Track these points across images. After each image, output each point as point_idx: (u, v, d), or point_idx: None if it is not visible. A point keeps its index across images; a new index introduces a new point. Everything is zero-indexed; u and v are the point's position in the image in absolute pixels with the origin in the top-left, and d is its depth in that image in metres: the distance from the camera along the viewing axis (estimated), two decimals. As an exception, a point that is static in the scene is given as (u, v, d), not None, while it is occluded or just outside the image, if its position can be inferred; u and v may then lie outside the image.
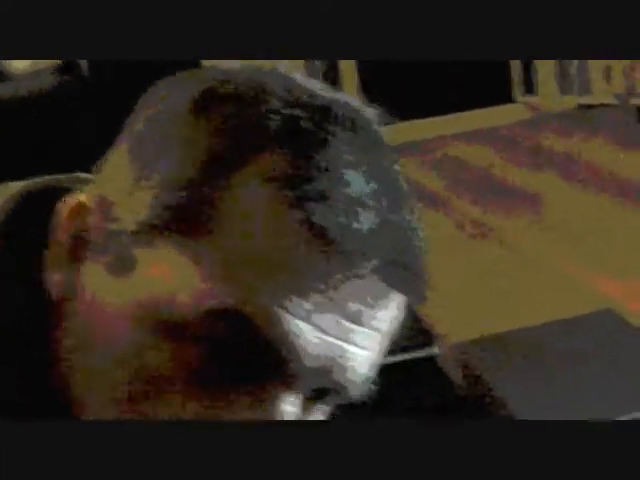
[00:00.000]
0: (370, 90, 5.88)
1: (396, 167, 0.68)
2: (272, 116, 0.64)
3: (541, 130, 5.19)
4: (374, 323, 0.65)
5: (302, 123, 0.64)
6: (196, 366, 0.63)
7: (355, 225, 0.62)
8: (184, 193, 0.63)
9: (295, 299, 0.62)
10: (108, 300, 0.66)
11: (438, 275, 2.44)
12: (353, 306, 0.64)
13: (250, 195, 0.63)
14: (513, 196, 4.12)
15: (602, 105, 5.19)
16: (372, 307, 0.65)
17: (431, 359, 2.43)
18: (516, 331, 2.37)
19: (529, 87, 5.44)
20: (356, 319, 0.64)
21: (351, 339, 0.65)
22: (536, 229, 3.68)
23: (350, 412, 2.21)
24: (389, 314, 0.67)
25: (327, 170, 0.62)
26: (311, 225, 0.61)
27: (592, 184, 4.13)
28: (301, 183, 0.62)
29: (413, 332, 2.20)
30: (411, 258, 0.67)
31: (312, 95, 0.66)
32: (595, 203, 3.90)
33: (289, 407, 0.65)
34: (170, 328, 0.63)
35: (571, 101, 5.36)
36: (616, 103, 5.08)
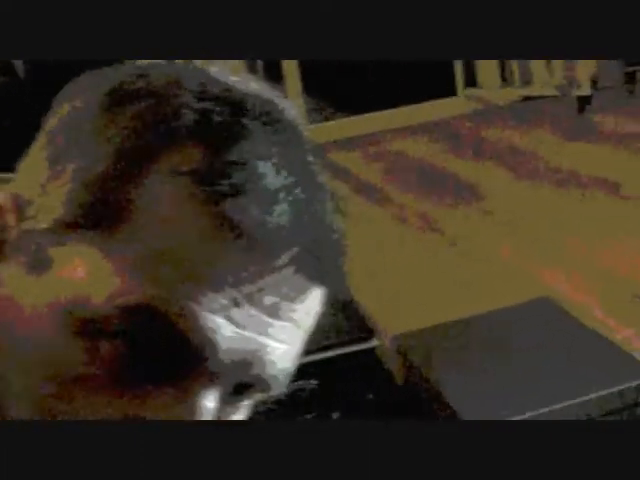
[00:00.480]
0: (314, 86, 5.89)
1: (313, 159, 0.68)
2: (185, 110, 0.63)
3: (483, 122, 5.23)
4: (292, 316, 0.65)
5: (215, 117, 0.63)
6: (113, 363, 0.62)
7: (270, 219, 0.61)
8: (96, 189, 0.62)
9: (210, 294, 0.61)
10: (26, 300, 0.65)
11: (379, 267, 2.47)
12: (270, 299, 0.63)
13: (163, 190, 0.62)
14: (455, 188, 4.14)
15: (543, 97, 5.24)
16: (290, 300, 0.64)
17: (372, 351, 2.44)
18: (455, 322, 2.38)
19: (471, 80, 5.48)
20: (273, 313, 0.64)
21: (269, 333, 0.64)
22: (477, 220, 3.70)
23: (289, 406, 2.20)
24: (308, 307, 0.66)
25: (241, 164, 0.62)
26: (225, 219, 0.61)
27: (533, 175, 4.16)
28: (214, 177, 0.61)
29: (353, 325, 2.20)
30: (328, 251, 0.66)
31: (226, 89, 0.66)
32: (536, 194, 3.93)
33: (210, 403, 0.64)
34: (86, 325, 0.62)
35: (513, 93, 5.40)
36: (557, 94, 5.12)
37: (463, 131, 5.17)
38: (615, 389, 1.98)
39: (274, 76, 6.15)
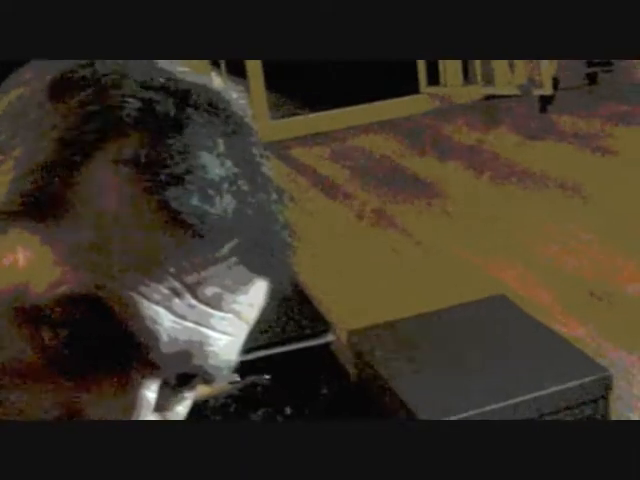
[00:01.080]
0: (277, 83, 5.88)
1: (259, 151, 0.67)
2: (129, 100, 0.63)
3: (446, 121, 5.24)
4: (234, 308, 0.65)
5: (158, 107, 0.63)
6: (55, 352, 0.62)
7: (212, 209, 0.61)
8: (39, 177, 0.62)
9: (151, 284, 0.60)
10: None
11: (337, 263, 2.46)
12: (212, 290, 0.63)
13: (105, 179, 0.61)
14: (415, 186, 4.15)
15: (505, 96, 5.25)
16: (232, 291, 0.64)
17: (326, 347, 2.43)
18: (409, 318, 2.37)
19: (434, 78, 5.49)
20: (215, 304, 0.63)
21: (210, 324, 0.64)
22: (436, 218, 3.70)
23: (242, 401, 2.17)
24: (251, 299, 0.66)
25: (183, 153, 0.61)
26: (167, 209, 0.60)
27: (494, 173, 4.17)
28: (156, 167, 0.60)
29: (308, 320, 2.19)
30: (272, 242, 0.66)
31: (171, 79, 0.65)
32: (496, 192, 3.94)
33: (150, 393, 0.64)
34: (27, 315, 0.61)
35: (475, 92, 5.42)
36: (519, 94, 5.14)
37: (425, 129, 5.17)
38: (567, 386, 1.98)
39: (237, 72, 6.13)
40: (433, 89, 5.48)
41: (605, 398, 2.01)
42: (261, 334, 2.41)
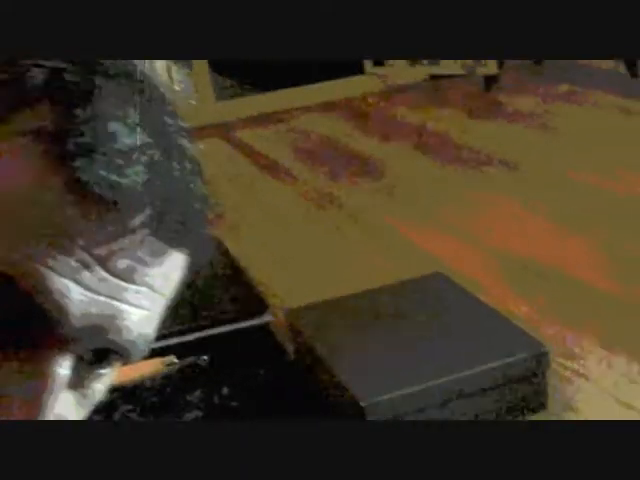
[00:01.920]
0: (222, 64, 5.82)
1: (174, 121, 0.66)
2: (36, 70, 0.61)
3: (391, 101, 5.23)
4: (148, 281, 0.63)
5: (67, 76, 0.61)
6: None
7: (121, 179, 0.59)
8: None
9: (60, 257, 0.58)
10: None
11: (279, 243, 2.43)
12: (123, 263, 0.61)
13: (13, 150, 0.60)
14: (360, 166, 4.13)
15: (450, 75, 5.25)
16: (145, 264, 0.62)
17: (265, 327, 2.41)
18: (348, 296, 2.35)
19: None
20: (127, 277, 0.61)
21: (123, 297, 0.62)
22: (380, 197, 3.69)
23: (179, 381, 2.13)
24: (166, 272, 0.64)
25: (92, 123, 0.59)
26: (75, 180, 0.58)
27: (439, 153, 4.17)
28: (64, 137, 0.59)
29: (247, 300, 2.15)
30: (186, 214, 0.64)
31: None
32: (440, 172, 3.94)
33: (63, 370, 0.62)
34: None
35: (420, 72, 5.41)
36: (464, 73, 5.14)
37: (370, 109, 5.16)
38: (505, 362, 1.98)
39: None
40: (378, 69, 5.46)
41: (542, 374, 2.01)
42: (199, 315, 2.39)
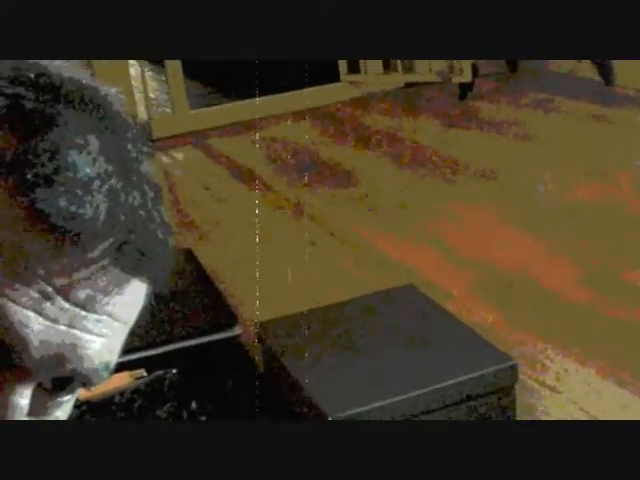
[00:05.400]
0: (196, 71, 5.81)
1: (135, 148, 0.66)
2: None
3: (366, 108, 5.23)
4: (109, 309, 0.63)
5: (26, 103, 0.60)
6: None
7: (81, 210, 0.59)
8: None
9: (19, 287, 0.58)
10: None
11: (252, 254, 2.40)
12: (84, 293, 0.61)
13: None
14: (334, 175, 4.13)
15: (425, 83, 5.26)
16: (106, 293, 0.62)
17: (234, 339, 2.40)
18: (318, 309, 2.34)
19: (354, 66, 5.46)
20: (88, 306, 0.62)
21: (84, 326, 0.62)
22: (354, 208, 3.69)
23: (148, 395, 2.11)
24: (127, 300, 0.64)
25: (52, 152, 0.59)
26: (34, 211, 0.58)
27: (414, 162, 4.17)
28: (23, 167, 0.58)
29: (216, 313, 2.13)
30: (147, 242, 0.64)
31: (43, 74, 0.63)
32: (415, 181, 3.93)
33: (22, 400, 0.62)
34: None
35: (395, 79, 5.41)
36: (439, 81, 5.14)
37: (345, 117, 5.16)
38: (473, 375, 1.98)
39: (155, 61, 6.06)
40: (353, 77, 5.46)
41: (511, 387, 2.01)
42: (168, 327, 2.37)
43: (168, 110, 5.42)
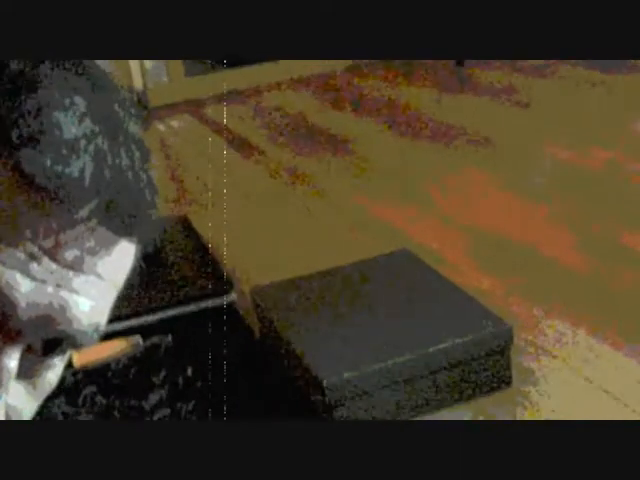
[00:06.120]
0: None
1: (123, 108, 0.65)
2: None
3: (361, 76, 5.20)
4: (97, 270, 0.63)
5: (11, 64, 0.61)
6: None
7: (67, 170, 0.59)
8: None
9: (5, 249, 0.59)
10: None
11: (247, 221, 2.40)
12: (72, 254, 0.61)
13: None
14: (330, 143, 4.11)
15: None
16: (94, 254, 0.62)
17: (230, 306, 2.39)
18: (313, 274, 2.34)
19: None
20: (75, 266, 0.62)
21: (72, 288, 0.62)
22: (350, 174, 3.67)
23: (143, 362, 2.11)
24: (115, 261, 0.65)
25: (37, 113, 0.59)
26: (20, 172, 0.58)
27: (410, 128, 4.15)
28: (8, 128, 0.58)
29: (212, 279, 2.13)
30: (134, 203, 0.64)
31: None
32: (411, 147, 3.92)
33: (11, 362, 0.62)
34: None
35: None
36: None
37: (341, 85, 5.13)
38: (468, 339, 1.97)
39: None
40: (350, 44, 5.42)
41: (506, 350, 2.00)
42: (163, 294, 2.37)
43: (165, 79, 5.40)
